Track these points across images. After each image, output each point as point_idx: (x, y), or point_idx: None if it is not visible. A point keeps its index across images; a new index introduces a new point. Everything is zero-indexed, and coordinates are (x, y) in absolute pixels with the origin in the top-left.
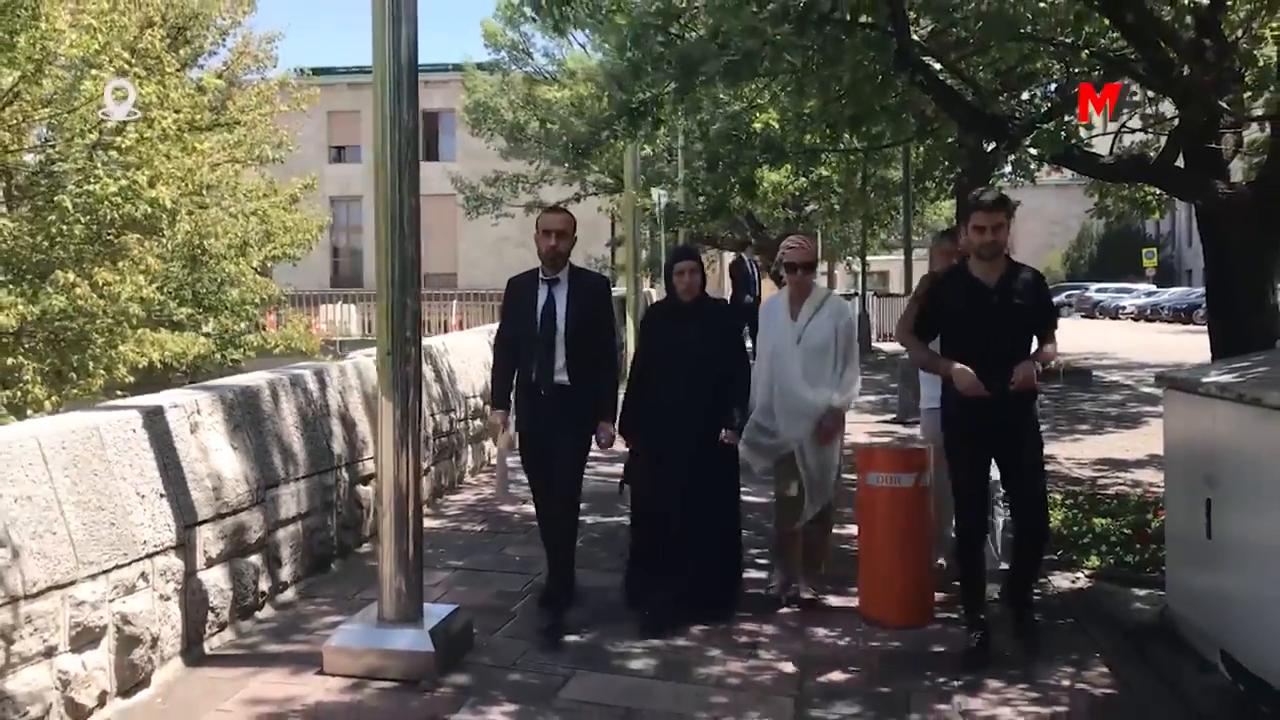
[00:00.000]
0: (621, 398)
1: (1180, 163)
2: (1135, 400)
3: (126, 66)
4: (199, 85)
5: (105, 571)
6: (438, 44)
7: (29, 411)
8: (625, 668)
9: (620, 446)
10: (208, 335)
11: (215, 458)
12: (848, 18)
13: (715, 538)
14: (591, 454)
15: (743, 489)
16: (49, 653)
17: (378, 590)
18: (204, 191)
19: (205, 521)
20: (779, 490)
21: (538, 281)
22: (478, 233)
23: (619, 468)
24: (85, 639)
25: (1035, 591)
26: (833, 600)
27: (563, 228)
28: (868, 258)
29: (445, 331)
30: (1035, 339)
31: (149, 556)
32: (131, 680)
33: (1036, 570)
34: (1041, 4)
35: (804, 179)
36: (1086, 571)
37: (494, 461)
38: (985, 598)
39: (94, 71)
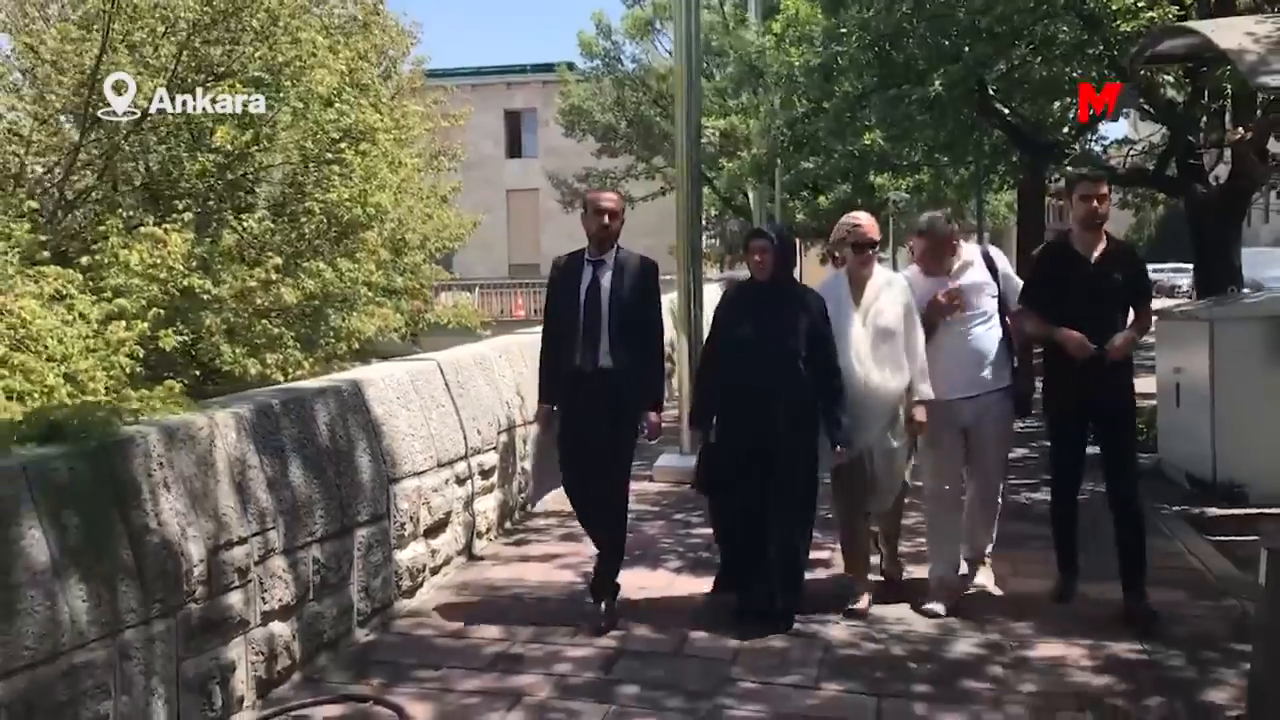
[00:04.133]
0: (690, 386)
1: (1174, 171)
2: None
3: (354, 99)
4: (403, 108)
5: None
6: (517, 44)
7: (289, 371)
8: None
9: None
10: (401, 313)
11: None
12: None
13: (792, 540)
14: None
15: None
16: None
17: (678, 439)
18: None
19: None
20: (845, 486)
21: (582, 263)
22: (558, 226)
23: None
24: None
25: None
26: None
27: (616, 208)
28: None
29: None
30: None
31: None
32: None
33: (1142, 551)
34: (1078, 72)
35: (903, 180)
36: None
37: None
38: (1076, 556)
39: (336, 105)
